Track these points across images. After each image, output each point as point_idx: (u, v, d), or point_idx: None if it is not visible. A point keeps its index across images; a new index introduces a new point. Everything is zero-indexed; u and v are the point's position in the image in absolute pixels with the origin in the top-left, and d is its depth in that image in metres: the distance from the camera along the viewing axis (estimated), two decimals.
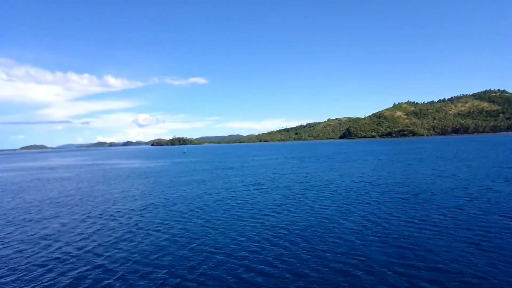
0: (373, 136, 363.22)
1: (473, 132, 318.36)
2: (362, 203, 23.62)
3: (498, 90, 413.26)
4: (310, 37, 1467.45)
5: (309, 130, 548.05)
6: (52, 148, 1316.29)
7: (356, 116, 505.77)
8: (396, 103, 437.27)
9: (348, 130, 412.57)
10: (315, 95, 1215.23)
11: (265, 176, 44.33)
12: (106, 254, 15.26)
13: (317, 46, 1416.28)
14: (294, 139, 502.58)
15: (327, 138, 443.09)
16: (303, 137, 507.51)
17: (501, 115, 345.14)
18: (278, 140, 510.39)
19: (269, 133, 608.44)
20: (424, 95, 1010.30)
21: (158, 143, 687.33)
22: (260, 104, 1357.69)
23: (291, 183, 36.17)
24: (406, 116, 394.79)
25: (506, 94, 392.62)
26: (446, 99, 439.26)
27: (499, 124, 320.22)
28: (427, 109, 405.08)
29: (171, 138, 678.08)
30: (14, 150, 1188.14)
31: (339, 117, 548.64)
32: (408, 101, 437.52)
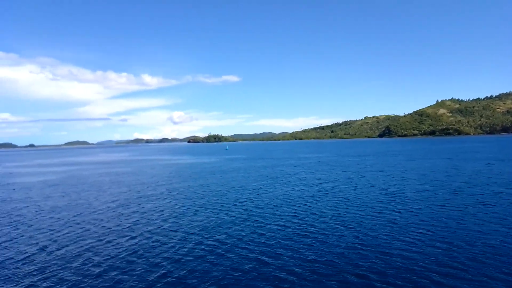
0: (414, 135, 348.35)
1: None
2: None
3: None
4: (342, 32, 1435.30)
5: (345, 128, 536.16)
6: (92, 144, 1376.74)
7: (395, 114, 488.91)
8: (439, 100, 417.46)
9: (387, 128, 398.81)
10: (350, 92, 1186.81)
11: (337, 174, 42.29)
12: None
13: (350, 41, 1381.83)
14: (330, 137, 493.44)
15: (365, 137, 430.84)
16: (339, 135, 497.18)
17: None
18: (313, 138, 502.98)
19: (304, 131, 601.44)
20: (468, 92, 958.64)
21: (194, 140, 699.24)
22: (291, 101, 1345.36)
23: (377, 181, 33.95)
24: (450, 114, 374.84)
25: None
26: (494, 96, 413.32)
27: None
28: (473, 107, 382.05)
29: (206, 135, 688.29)
30: (59, 145, 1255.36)
31: (376, 115, 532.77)
32: (452, 98, 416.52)
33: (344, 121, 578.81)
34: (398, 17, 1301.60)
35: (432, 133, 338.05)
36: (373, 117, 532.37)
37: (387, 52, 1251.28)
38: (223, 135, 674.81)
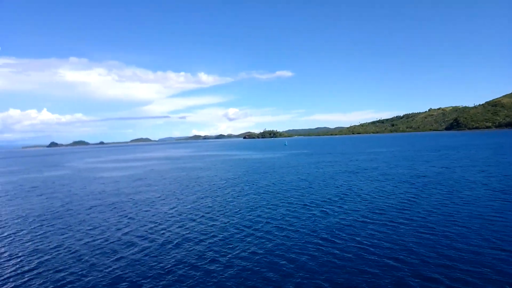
0: (487, 127, 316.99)
1: None
2: None
3: None
4: (399, 21, 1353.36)
5: (406, 122, 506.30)
6: (154, 140, 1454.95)
7: (464, 105, 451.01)
8: None
9: (456, 120, 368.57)
10: (410, 84, 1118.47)
11: (423, 169, 39.53)
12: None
13: (407, 30, 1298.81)
14: (390, 131, 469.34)
15: (430, 130, 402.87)
16: (400, 129, 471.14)
17: None
18: (372, 133, 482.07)
19: (362, 125, 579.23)
20: None
21: (249, 136, 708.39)
22: (346, 95, 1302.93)
23: (475, 177, 31.00)
24: None
25: None
26: None
27: None
28: None
29: (260, 131, 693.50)
30: (126, 142, 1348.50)
31: (442, 106, 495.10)
32: None
33: (405, 114, 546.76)
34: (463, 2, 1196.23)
35: (509, 124, 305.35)
36: (439, 109, 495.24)
37: (451, 38, 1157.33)
38: (277, 130, 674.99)
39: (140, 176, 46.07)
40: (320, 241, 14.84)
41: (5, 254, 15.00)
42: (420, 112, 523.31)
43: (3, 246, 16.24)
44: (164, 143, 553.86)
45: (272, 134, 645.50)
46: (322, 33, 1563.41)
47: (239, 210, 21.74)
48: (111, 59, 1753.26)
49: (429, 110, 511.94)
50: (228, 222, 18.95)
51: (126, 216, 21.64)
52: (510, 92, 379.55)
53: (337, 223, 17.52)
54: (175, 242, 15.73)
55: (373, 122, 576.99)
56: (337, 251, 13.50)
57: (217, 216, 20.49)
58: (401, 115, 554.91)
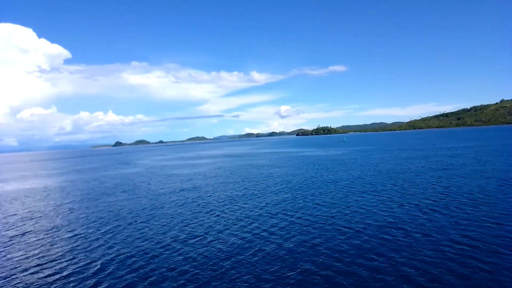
0: None
1: None
2: None
3: None
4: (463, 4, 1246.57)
5: (475, 115, 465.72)
6: (209, 139, 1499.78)
7: None
8: None
9: None
10: (477, 74, 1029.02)
11: None
12: None
13: (472, 14, 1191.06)
14: (456, 125, 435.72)
15: (503, 123, 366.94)
16: (467, 123, 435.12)
17: None
18: (435, 127, 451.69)
19: (423, 119, 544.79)
20: None
21: (302, 133, 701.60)
22: (404, 88, 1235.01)
23: None
24: None
25: None
26: None
27: None
28: None
29: (313, 128, 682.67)
30: (183, 141, 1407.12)
31: None
32: None
33: (473, 107, 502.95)
34: None
35: None
36: None
37: None
38: (332, 127, 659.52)
39: (212, 173, 46.67)
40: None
41: (113, 252, 15.27)
42: (490, 104, 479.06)
43: (112, 244, 16.62)
44: (219, 141, 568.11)
45: (326, 130, 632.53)
46: (376, 25, 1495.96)
47: (340, 210, 20.48)
48: (168, 62, 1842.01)
49: (501, 101, 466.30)
50: (334, 223, 17.78)
51: (214, 213, 21.45)
52: None
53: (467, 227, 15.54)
54: (279, 241, 14.95)
55: (436, 116, 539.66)
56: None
57: (315, 215, 19.42)
58: (468, 107, 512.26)
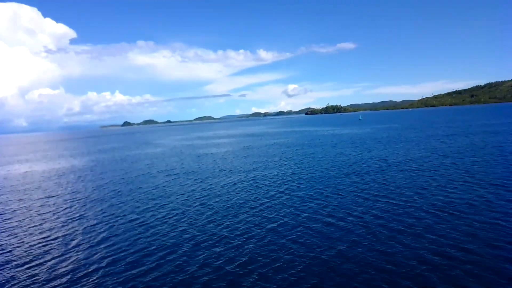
0: None
1: None
2: None
3: None
4: None
5: (489, 91, 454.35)
6: (217, 118, 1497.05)
7: None
8: None
9: None
10: (490, 49, 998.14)
11: None
12: None
13: None
14: (470, 103, 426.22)
15: None
16: (482, 100, 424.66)
17: None
18: (449, 105, 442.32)
19: (435, 97, 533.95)
20: None
21: (311, 112, 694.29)
22: (415, 66, 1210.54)
23: None
24: None
25: None
26: None
27: None
28: None
29: (322, 107, 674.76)
30: (191, 121, 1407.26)
31: None
32: None
33: (487, 83, 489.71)
34: None
35: None
36: None
37: None
38: (341, 105, 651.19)
39: (243, 152, 45.20)
40: None
41: (180, 228, 13.85)
42: (506, 81, 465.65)
43: (192, 231, 15.21)
44: (227, 121, 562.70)
45: (336, 109, 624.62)
46: (386, 1, 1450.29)
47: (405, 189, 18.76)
48: (175, 41, 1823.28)
49: None
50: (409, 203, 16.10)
51: (285, 194, 19.90)
52: None
53: None
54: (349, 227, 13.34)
55: (449, 93, 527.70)
56: None
57: (380, 195, 17.74)
58: (482, 84, 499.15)
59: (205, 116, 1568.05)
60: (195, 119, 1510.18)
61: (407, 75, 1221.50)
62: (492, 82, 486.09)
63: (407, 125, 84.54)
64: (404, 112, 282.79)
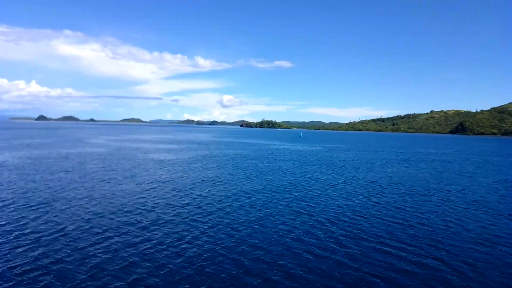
0: (493, 134, 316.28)
1: None
2: None
3: None
4: (405, 20, 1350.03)
5: (408, 122, 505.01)
6: (146, 122, 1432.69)
7: (466, 110, 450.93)
8: None
9: (461, 124, 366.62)
10: (411, 84, 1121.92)
11: None
12: None
13: (412, 30, 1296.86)
14: (392, 130, 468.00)
15: (433, 132, 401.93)
16: (401, 129, 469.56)
17: None
18: (373, 130, 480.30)
19: (362, 122, 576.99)
20: None
21: (246, 124, 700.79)
22: (344, 91, 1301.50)
23: None
24: None
25: None
26: None
27: None
28: None
29: (257, 120, 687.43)
30: (117, 121, 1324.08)
31: (444, 109, 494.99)
32: None
33: (406, 114, 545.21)
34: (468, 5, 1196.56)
35: None
36: (441, 111, 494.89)
37: (455, 40, 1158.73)
38: (276, 121, 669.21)
39: (203, 161, 40.67)
40: None
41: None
42: (421, 114, 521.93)
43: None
44: (156, 125, 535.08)
45: (270, 124, 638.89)
46: (323, 26, 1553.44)
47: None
48: (107, 35, 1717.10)
49: (430, 112, 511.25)
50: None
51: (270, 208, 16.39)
52: None
53: None
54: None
55: (374, 120, 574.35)
56: None
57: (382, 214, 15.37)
58: (402, 114, 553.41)
59: (133, 118, 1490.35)
60: (122, 120, 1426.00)
61: (337, 99, 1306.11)
62: (410, 114, 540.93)
63: (353, 146, 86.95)
64: (337, 134, 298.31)
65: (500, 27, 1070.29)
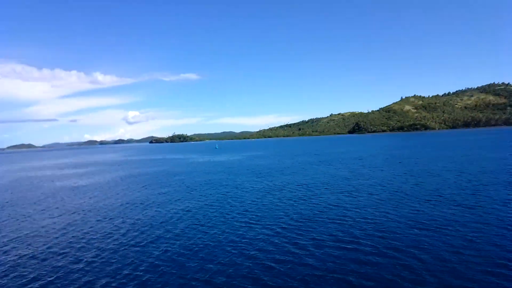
0: (383, 131, 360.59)
1: (485, 125, 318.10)
2: None
3: (503, 83, 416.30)
4: (302, 30, 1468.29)
5: (312, 126, 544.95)
6: (39, 147, 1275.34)
7: (359, 111, 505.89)
8: (403, 97, 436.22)
9: (357, 124, 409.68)
10: (310, 90, 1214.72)
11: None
12: None
13: (308, 39, 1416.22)
14: (299, 135, 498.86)
15: (334, 133, 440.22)
16: (307, 133, 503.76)
17: (508, 108, 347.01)
18: (282, 136, 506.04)
19: (271, 129, 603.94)
20: (428, 89, 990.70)
21: (156, 140, 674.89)
22: (251, 100, 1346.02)
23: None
24: (415, 110, 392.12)
25: (511, 87, 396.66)
26: (451, 92, 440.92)
27: (511, 118, 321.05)
28: (435, 103, 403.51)
29: (167, 135, 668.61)
30: (2, 149, 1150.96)
31: (341, 112, 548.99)
32: (415, 95, 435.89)
33: (310, 119, 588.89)
34: (363, 17, 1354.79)
35: (401, 128, 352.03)
36: (339, 114, 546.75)
37: (346, 50, 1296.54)
38: (187, 134, 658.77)
39: (124, 183, 37.94)
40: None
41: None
42: (323, 117, 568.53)
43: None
44: (53, 150, 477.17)
45: (182, 138, 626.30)
46: (228, 36, 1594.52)
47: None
48: None
49: (330, 115, 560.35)
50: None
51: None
52: (399, 100, 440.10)
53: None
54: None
55: (281, 126, 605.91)
56: None
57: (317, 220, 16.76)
58: (306, 119, 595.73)
59: (23, 144, 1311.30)
60: (8, 147, 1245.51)
61: (245, 108, 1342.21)
62: (313, 118, 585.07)
63: (271, 153, 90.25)
64: (250, 142, 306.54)
65: (381, 33, 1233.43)
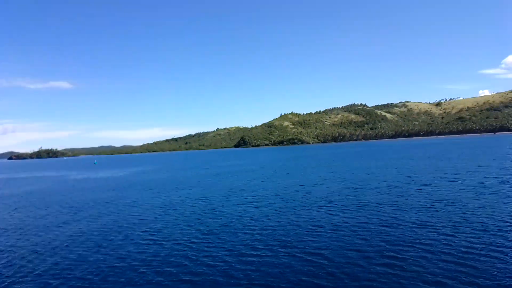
0: (266, 145, 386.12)
1: (349, 140, 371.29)
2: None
3: (360, 104, 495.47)
4: (187, 37, 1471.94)
5: (199, 140, 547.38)
6: None
7: (244, 126, 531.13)
8: (283, 114, 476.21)
9: (242, 139, 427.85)
10: (194, 104, 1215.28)
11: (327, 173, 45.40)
12: None
13: (189, 48, 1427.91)
14: (186, 149, 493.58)
15: (220, 147, 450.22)
16: (194, 147, 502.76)
17: (365, 125, 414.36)
18: (168, 150, 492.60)
19: (156, 143, 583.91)
20: (304, 106, 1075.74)
21: (17, 156, 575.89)
22: (133, 112, 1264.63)
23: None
24: (293, 126, 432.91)
25: (367, 108, 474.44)
26: (322, 111, 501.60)
27: (368, 133, 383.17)
28: (309, 120, 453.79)
29: (34, 150, 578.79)
30: None
31: (227, 126, 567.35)
32: (292, 112, 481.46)
33: (197, 133, 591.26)
34: (246, 34, 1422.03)
35: (281, 142, 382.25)
36: (225, 128, 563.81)
37: (231, 66, 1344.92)
38: (58, 149, 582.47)
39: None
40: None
41: None
42: (209, 131, 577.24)
43: None
44: None
45: (51, 153, 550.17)
46: (104, 43, 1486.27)
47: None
48: None
49: (216, 129, 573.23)
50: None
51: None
52: (279, 116, 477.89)
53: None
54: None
55: (167, 140, 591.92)
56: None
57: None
58: (193, 133, 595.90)
59: None
60: None
61: (126, 120, 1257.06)
62: (200, 132, 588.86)
63: (161, 167, 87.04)
64: (134, 157, 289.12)
65: (269, 53, 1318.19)
